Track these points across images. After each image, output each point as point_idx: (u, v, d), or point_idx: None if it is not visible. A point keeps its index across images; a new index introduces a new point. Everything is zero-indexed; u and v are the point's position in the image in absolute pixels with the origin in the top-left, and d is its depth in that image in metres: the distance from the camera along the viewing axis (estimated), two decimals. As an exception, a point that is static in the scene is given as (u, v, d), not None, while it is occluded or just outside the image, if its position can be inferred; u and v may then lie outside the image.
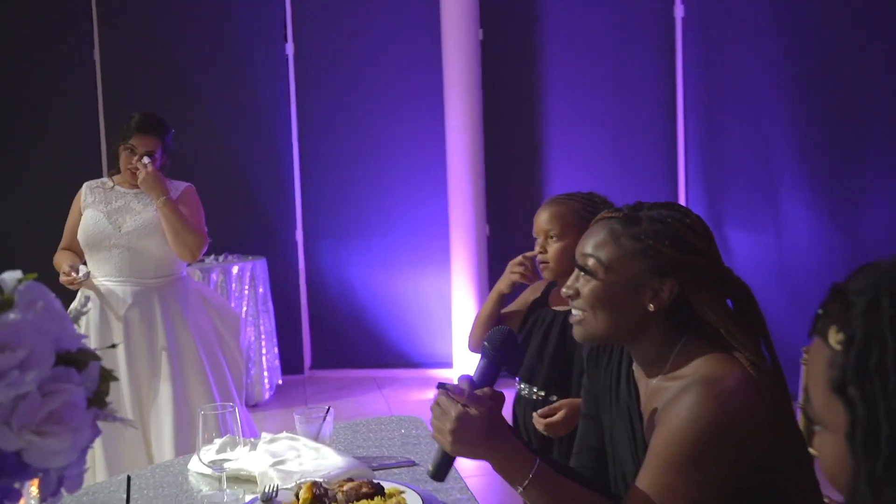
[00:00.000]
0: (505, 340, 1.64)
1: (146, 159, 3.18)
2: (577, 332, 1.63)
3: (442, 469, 1.59)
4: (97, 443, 3.12)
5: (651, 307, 1.55)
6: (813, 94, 5.40)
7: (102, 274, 3.25)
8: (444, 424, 1.48)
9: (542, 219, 2.40)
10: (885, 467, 0.71)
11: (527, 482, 1.50)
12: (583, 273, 1.59)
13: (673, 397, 1.51)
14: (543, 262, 2.39)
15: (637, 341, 1.61)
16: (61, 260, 3.29)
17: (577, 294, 1.59)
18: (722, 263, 1.60)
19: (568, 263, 2.25)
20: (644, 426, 1.61)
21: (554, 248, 2.36)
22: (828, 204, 5.38)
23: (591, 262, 1.57)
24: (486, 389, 1.60)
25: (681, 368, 1.55)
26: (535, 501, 1.53)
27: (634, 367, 1.68)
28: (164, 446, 3.19)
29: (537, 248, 2.40)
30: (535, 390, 2.43)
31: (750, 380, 1.48)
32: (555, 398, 2.35)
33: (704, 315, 1.55)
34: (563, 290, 1.64)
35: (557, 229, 2.36)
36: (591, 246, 1.58)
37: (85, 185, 3.36)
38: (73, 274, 3.17)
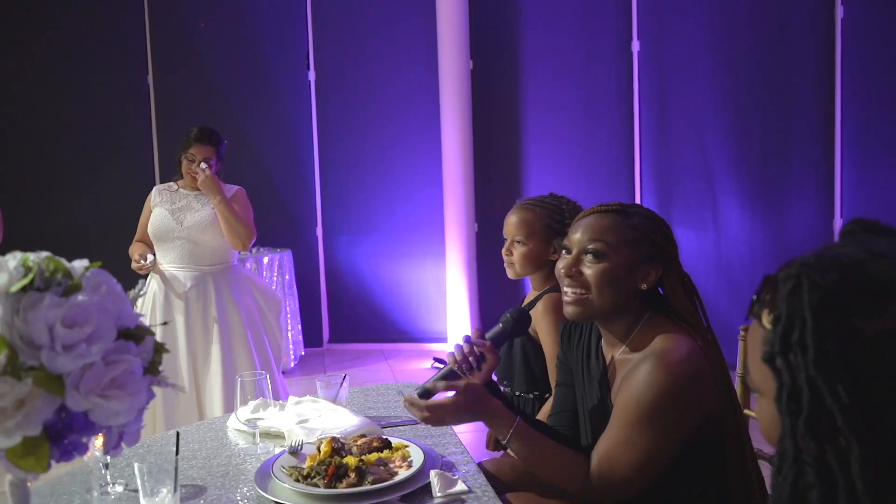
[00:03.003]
0: (521, 316, 1.69)
1: (203, 165, 3.18)
2: (573, 311, 1.58)
3: (429, 392, 1.66)
4: (158, 401, 3.13)
5: (644, 286, 1.56)
6: (745, 117, 5.41)
7: (167, 261, 3.27)
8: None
9: (511, 222, 2.19)
10: (806, 425, 0.71)
11: (509, 435, 1.54)
12: (588, 256, 1.55)
13: (633, 367, 1.51)
14: (510, 263, 2.21)
15: (617, 318, 1.59)
16: (134, 250, 3.33)
17: (580, 275, 1.55)
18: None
19: (529, 266, 2.18)
20: (611, 392, 1.61)
21: (519, 251, 2.16)
22: (757, 207, 5.39)
23: (599, 245, 1.54)
24: (488, 344, 1.64)
25: (642, 341, 1.54)
26: (518, 451, 1.55)
27: (603, 342, 1.67)
28: (213, 405, 3.21)
29: (505, 248, 2.22)
30: (505, 384, 2.24)
31: (698, 350, 1.48)
32: (503, 388, 2.19)
33: (672, 294, 1.56)
34: (564, 269, 1.57)
35: (523, 235, 2.16)
36: (598, 232, 1.55)
37: (154, 189, 3.39)
38: (142, 262, 3.21)
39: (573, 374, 1.76)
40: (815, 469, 0.70)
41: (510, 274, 2.23)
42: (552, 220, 2.16)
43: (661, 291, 1.62)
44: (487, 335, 1.70)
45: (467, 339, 1.68)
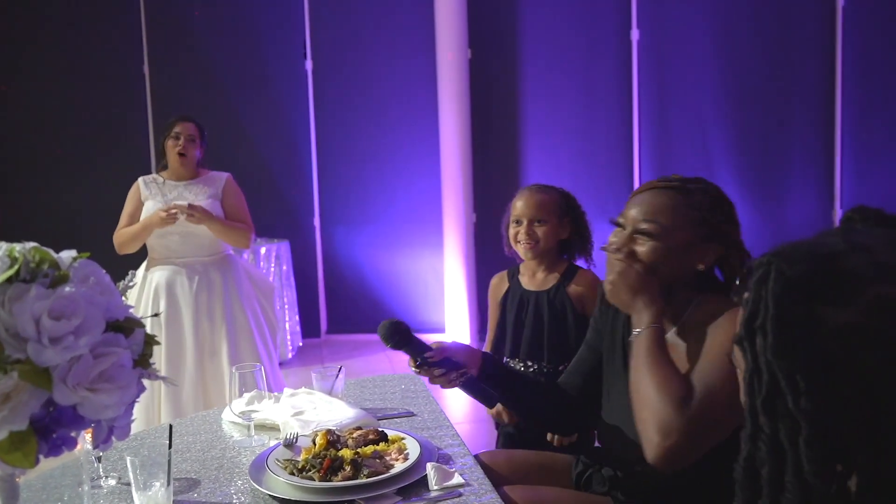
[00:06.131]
0: (395, 326, 1.67)
1: (182, 204, 3.11)
2: None
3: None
4: (162, 388, 3.12)
5: (701, 267, 1.51)
6: (746, 107, 5.39)
7: (166, 254, 3.24)
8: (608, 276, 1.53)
9: (530, 205, 2.30)
10: (763, 405, 0.75)
11: (646, 329, 1.48)
12: (641, 235, 1.51)
13: (712, 329, 1.45)
14: (531, 242, 2.29)
15: (667, 298, 1.53)
16: (137, 223, 3.21)
17: (632, 253, 1.51)
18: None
19: (553, 241, 2.31)
20: None
21: (543, 229, 2.29)
22: (757, 196, 5.38)
23: (652, 226, 1.50)
24: (431, 353, 1.68)
25: (690, 323, 1.50)
26: (641, 345, 1.47)
27: None
28: (220, 388, 3.19)
29: (521, 230, 2.31)
30: (543, 365, 2.32)
31: None
32: (562, 368, 2.20)
33: (730, 277, 1.53)
34: (615, 246, 1.53)
35: (544, 214, 2.29)
36: (651, 212, 1.51)
37: (140, 180, 3.33)
38: (173, 211, 3.09)
39: (602, 338, 1.73)
40: (767, 446, 0.75)
41: (530, 255, 2.33)
42: (562, 201, 2.33)
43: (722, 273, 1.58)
44: (413, 361, 1.71)
45: (442, 366, 1.69)
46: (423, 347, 1.70)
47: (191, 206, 3.11)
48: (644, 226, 1.50)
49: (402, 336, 1.68)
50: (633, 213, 1.53)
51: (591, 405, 1.74)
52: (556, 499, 1.62)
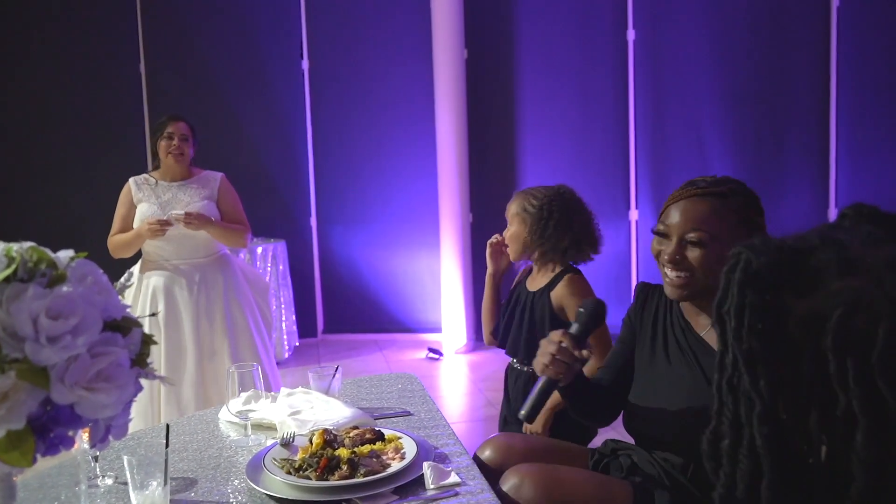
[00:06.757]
0: (595, 311, 1.67)
1: (181, 214, 3.10)
2: (677, 293, 1.60)
3: (535, 410, 1.67)
4: (162, 390, 3.11)
5: None
6: (742, 106, 5.40)
7: (163, 256, 3.22)
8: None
9: (508, 208, 2.45)
10: (727, 383, 0.81)
11: None
12: (690, 244, 1.57)
13: None
14: (506, 245, 2.45)
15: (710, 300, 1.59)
16: (131, 231, 3.19)
17: (684, 260, 1.57)
18: None
19: (515, 246, 2.40)
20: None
21: (507, 233, 2.42)
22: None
23: (700, 234, 1.56)
24: (585, 352, 1.64)
25: None
26: None
27: (686, 315, 1.68)
28: (220, 388, 3.19)
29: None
30: (523, 362, 2.41)
31: None
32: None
33: None
34: (668, 257, 1.57)
35: (510, 219, 2.42)
36: (697, 220, 1.56)
37: (131, 181, 3.30)
38: (163, 224, 3.09)
39: (636, 334, 1.77)
40: (729, 421, 0.81)
41: (511, 257, 2.46)
42: (530, 205, 2.37)
43: None
44: (576, 335, 1.66)
45: (569, 348, 1.64)
46: (587, 342, 1.69)
47: (187, 215, 3.09)
48: (692, 235, 1.57)
49: (592, 319, 1.67)
50: (676, 221, 1.59)
51: (619, 397, 1.80)
52: (575, 478, 1.66)
